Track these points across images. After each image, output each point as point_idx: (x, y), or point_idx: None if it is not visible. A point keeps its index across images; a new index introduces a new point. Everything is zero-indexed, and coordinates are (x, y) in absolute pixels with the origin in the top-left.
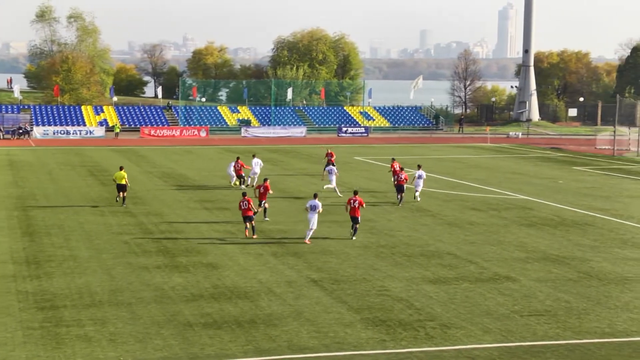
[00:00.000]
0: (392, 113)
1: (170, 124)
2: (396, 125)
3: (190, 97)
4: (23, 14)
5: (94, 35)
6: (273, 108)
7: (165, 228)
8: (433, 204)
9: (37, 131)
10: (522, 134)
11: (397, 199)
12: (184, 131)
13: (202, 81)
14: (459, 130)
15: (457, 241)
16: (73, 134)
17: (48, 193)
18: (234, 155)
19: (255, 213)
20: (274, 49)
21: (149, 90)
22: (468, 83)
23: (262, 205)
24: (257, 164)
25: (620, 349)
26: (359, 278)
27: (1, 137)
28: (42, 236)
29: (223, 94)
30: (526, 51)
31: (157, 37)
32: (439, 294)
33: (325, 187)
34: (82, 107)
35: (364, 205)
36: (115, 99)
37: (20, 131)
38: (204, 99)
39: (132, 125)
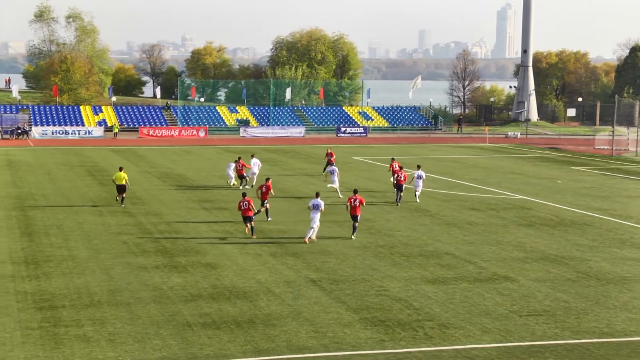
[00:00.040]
0: (391, 113)
1: (169, 124)
2: (395, 125)
3: (189, 97)
4: (21, 13)
5: (92, 35)
6: (272, 108)
7: (164, 228)
8: (432, 204)
9: (36, 131)
10: (520, 134)
11: (397, 198)
12: (183, 131)
13: (201, 81)
14: (458, 130)
15: (455, 241)
16: (72, 134)
17: (47, 193)
18: (232, 156)
19: (257, 212)
20: (272, 49)
21: (147, 90)
22: (467, 83)
23: (265, 204)
24: (255, 164)
25: (618, 348)
26: (358, 278)
27: (0, 137)
28: (40, 236)
29: (222, 94)
30: (525, 51)
31: (155, 37)
32: (437, 294)
33: (328, 185)
34: (81, 107)
35: (364, 203)
36: (113, 99)
37: (19, 131)
38: (202, 99)
39: (131, 125)
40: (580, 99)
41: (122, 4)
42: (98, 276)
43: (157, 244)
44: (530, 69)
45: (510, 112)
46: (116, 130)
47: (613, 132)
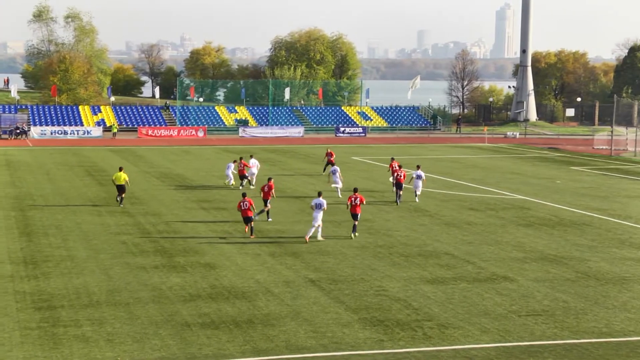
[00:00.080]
0: (390, 113)
1: (168, 124)
2: (394, 125)
3: (188, 97)
4: (20, 13)
5: (91, 35)
6: (271, 108)
7: (162, 228)
8: (431, 204)
9: (35, 131)
10: (519, 134)
11: (396, 197)
12: (182, 131)
13: (200, 81)
14: (457, 130)
15: (454, 241)
16: (70, 134)
17: (45, 193)
18: (231, 156)
19: (261, 212)
20: (271, 49)
21: (146, 90)
22: (465, 83)
23: (268, 204)
24: (253, 165)
25: (617, 348)
26: (357, 278)
27: None
28: (39, 236)
29: (221, 94)
30: (524, 51)
31: (154, 37)
32: (436, 294)
33: (332, 185)
34: (80, 107)
35: (364, 202)
36: (112, 99)
37: (18, 131)
38: (201, 99)
39: (130, 125)
40: (579, 99)
41: (120, 4)
42: (97, 276)
43: (155, 244)
44: (529, 69)
45: (509, 112)
46: (115, 130)
47: (612, 132)
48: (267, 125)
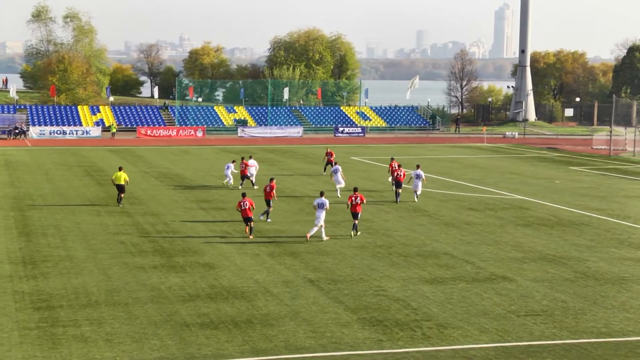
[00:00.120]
0: (389, 113)
1: (167, 124)
2: (393, 125)
3: (187, 97)
4: (19, 13)
5: (90, 35)
6: (269, 108)
7: (161, 228)
8: (430, 204)
9: (34, 131)
10: (518, 134)
11: (396, 196)
12: (181, 131)
13: (199, 81)
14: (456, 130)
15: (453, 241)
16: (69, 134)
17: (44, 193)
18: (230, 156)
19: (265, 213)
20: (270, 49)
21: (145, 90)
22: (464, 83)
23: (271, 204)
24: (252, 165)
25: (616, 348)
26: (356, 278)
27: None
28: (38, 236)
29: (219, 94)
30: (522, 51)
31: (153, 37)
32: (435, 294)
33: (338, 186)
34: (79, 107)
35: (365, 201)
36: (111, 99)
37: (17, 131)
38: (200, 99)
39: (129, 126)
40: (577, 99)
41: (119, 4)
42: (96, 276)
43: (154, 244)
44: (528, 69)
45: (508, 112)
46: (114, 130)
47: (611, 132)
48: (266, 125)
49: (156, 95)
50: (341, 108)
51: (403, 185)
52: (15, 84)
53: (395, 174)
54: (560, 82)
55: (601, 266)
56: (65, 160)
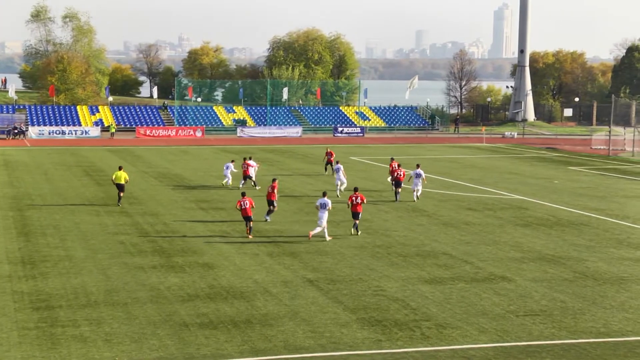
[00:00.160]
0: (388, 113)
1: (166, 124)
2: (392, 125)
3: (186, 97)
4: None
5: (89, 35)
6: (269, 108)
7: (161, 228)
8: (429, 204)
9: (33, 131)
10: (517, 134)
11: (395, 195)
12: (180, 131)
13: (198, 81)
14: (455, 130)
15: (452, 241)
16: (68, 134)
17: (43, 193)
18: (229, 155)
19: (270, 212)
20: (269, 49)
21: (144, 90)
22: (464, 83)
23: (275, 204)
24: (252, 166)
25: (615, 348)
26: (355, 278)
27: None
28: (37, 236)
29: (219, 94)
30: (521, 51)
31: (152, 37)
32: (434, 294)
33: (343, 188)
34: (78, 107)
35: (365, 201)
36: (110, 99)
37: (16, 131)
38: (199, 99)
39: (128, 126)
40: (577, 99)
41: (119, 4)
42: (95, 276)
43: (154, 244)
44: (527, 69)
45: (507, 112)
46: (113, 130)
47: (610, 132)
48: (265, 125)
49: (155, 95)
50: (340, 108)
51: (403, 185)
52: (14, 84)
53: (395, 174)
54: (559, 82)
55: (600, 266)
56: (64, 160)
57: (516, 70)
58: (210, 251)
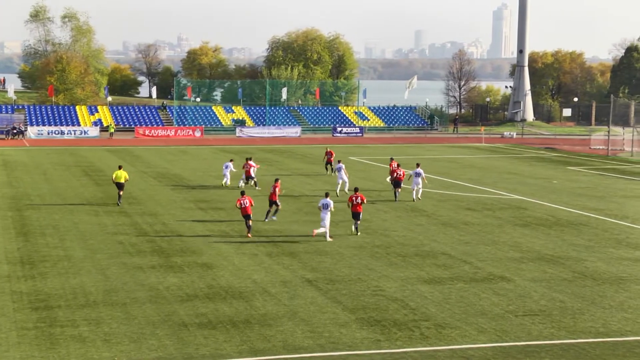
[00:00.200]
0: (387, 113)
1: (165, 124)
2: (391, 125)
3: (185, 97)
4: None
5: (88, 35)
6: (268, 108)
7: (159, 228)
8: (428, 204)
9: (32, 131)
10: (516, 134)
11: (394, 194)
12: (179, 131)
13: (197, 81)
14: (454, 130)
15: (451, 241)
16: (67, 134)
17: (42, 193)
18: (229, 155)
19: (276, 212)
20: (268, 49)
21: (143, 90)
22: (462, 83)
23: (277, 204)
24: (253, 166)
25: (614, 348)
26: (354, 278)
27: None
28: (36, 236)
29: (218, 94)
30: (520, 51)
31: (151, 37)
32: (433, 294)
33: (347, 189)
34: (77, 107)
35: (365, 201)
36: (109, 99)
37: (15, 131)
38: (198, 99)
39: (127, 126)
40: (575, 99)
41: (118, 4)
42: (94, 276)
43: (153, 244)
44: (526, 69)
45: (506, 112)
46: (112, 130)
47: (609, 132)
48: (264, 125)
49: (154, 95)
50: (339, 108)
51: (402, 184)
52: (13, 84)
53: (395, 174)
54: (558, 82)
55: (599, 266)
56: (63, 160)
57: (515, 70)
58: (209, 251)
